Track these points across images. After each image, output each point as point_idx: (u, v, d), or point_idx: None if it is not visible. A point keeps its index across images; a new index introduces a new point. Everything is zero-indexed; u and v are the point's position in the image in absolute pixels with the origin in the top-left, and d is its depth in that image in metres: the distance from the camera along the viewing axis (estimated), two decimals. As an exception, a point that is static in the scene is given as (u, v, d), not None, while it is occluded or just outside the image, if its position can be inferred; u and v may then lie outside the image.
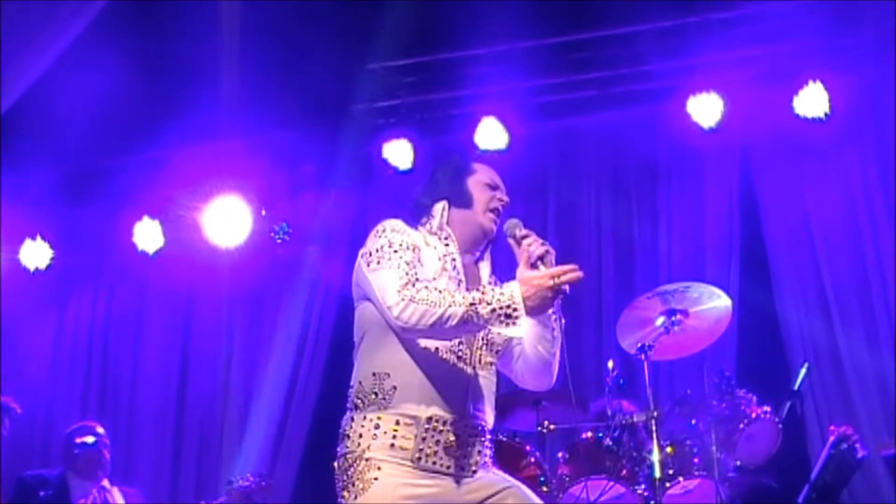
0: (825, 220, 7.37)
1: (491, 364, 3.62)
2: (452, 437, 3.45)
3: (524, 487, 3.61)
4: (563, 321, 3.69)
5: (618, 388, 6.03)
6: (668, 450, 5.77)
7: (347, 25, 7.02)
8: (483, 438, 3.54)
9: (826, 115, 7.05)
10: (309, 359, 8.27)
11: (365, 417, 3.46)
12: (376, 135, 7.90)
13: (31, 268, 8.38)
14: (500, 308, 3.32)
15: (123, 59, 6.75)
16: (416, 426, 3.42)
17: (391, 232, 3.56)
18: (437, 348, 3.48)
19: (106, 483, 6.84)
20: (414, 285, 3.40)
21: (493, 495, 3.51)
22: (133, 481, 7.54)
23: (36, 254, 8.36)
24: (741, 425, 5.85)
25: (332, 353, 8.25)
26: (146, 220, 8.25)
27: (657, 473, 5.46)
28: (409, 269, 3.45)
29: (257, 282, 8.46)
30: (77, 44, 6.42)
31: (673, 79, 7.33)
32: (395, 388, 3.45)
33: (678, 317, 5.84)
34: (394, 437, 3.42)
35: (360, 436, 3.44)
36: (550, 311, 3.53)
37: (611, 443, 5.86)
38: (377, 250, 3.50)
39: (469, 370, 3.53)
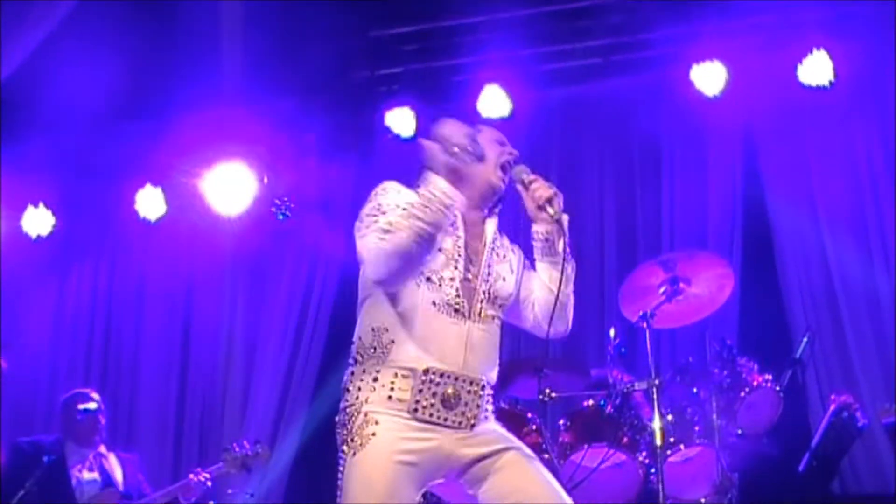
0: (829, 189, 7.35)
1: (493, 318, 3.62)
2: (450, 390, 3.47)
3: (525, 449, 3.62)
4: (574, 263, 3.75)
5: (619, 356, 6.03)
6: (669, 418, 5.78)
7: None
8: (482, 392, 3.54)
9: (830, 83, 7.01)
10: (311, 326, 8.29)
11: (364, 371, 3.50)
12: (378, 102, 7.87)
13: (34, 235, 8.37)
14: (422, 203, 3.43)
15: (125, 27, 6.72)
16: (413, 378, 3.45)
17: (382, 193, 3.61)
18: (434, 301, 3.50)
19: (102, 449, 6.86)
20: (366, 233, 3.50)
21: (491, 454, 3.52)
22: (135, 449, 7.57)
23: (38, 221, 8.35)
24: (742, 393, 5.87)
25: (333, 320, 8.26)
26: (148, 187, 8.24)
27: (658, 441, 5.47)
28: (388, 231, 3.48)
29: (259, 249, 8.45)
30: (78, 13, 6.39)
31: (676, 47, 7.28)
32: (392, 341, 3.48)
33: (681, 285, 5.85)
34: (391, 389, 3.45)
35: (359, 389, 3.48)
36: (560, 248, 3.63)
37: (612, 411, 5.88)
38: (367, 215, 3.55)
39: (467, 323, 3.54)
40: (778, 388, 5.97)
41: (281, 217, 8.01)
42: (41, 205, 8.35)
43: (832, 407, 6.16)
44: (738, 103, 7.46)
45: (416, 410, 3.44)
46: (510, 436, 3.65)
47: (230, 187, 7.98)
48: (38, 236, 8.40)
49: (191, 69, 7.34)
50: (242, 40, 7.13)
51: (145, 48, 6.96)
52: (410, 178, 8.07)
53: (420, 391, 3.44)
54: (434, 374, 3.46)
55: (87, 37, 6.75)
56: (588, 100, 7.92)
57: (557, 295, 3.66)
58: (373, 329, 3.52)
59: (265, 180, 8.04)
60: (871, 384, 6.93)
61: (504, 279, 3.67)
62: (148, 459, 7.55)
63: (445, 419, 3.47)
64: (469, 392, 3.51)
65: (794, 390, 6.30)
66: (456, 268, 3.56)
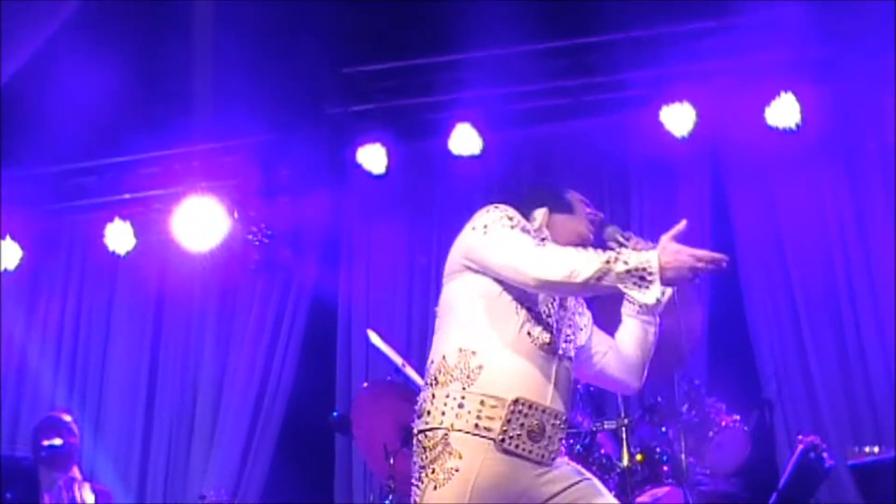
0: (796, 231, 7.42)
1: (571, 359, 3.63)
2: (536, 422, 3.44)
3: (597, 482, 3.60)
4: (658, 320, 3.77)
5: (588, 395, 6.04)
6: (638, 457, 5.79)
7: (323, 29, 7.00)
8: (563, 427, 3.54)
9: (797, 125, 7.10)
10: (279, 362, 8.26)
11: (448, 395, 3.44)
12: (351, 139, 7.89)
13: (0, 268, 8.32)
14: (636, 269, 3.29)
15: (95, 62, 6.71)
16: (502, 408, 3.40)
17: (505, 209, 3.59)
18: (529, 333, 3.48)
19: (76, 473, 6.79)
20: (545, 244, 3.48)
21: (567, 488, 3.50)
22: (99, 482, 7.49)
23: (5, 254, 8.30)
24: (710, 433, 5.89)
25: (302, 357, 8.26)
26: (117, 221, 8.21)
27: (627, 480, 5.48)
28: (530, 236, 3.51)
29: (228, 284, 8.44)
30: (49, 47, 6.38)
31: (646, 88, 7.36)
32: (480, 367, 3.43)
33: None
34: (478, 416, 3.40)
35: (443, 413, 3.42)
36: (661, 304, 3.52)
37: (581, 450, 5.87)
38: (495, 221, 3.53)
39: (554, 360, 3.53)
40: (746, 429, 6.00)
41: (256, 242, 8.00)
42: (8, 237, 8.30)
43: (800, 448, 6.17)
44: (707, 144, 7.55)
45: (503, 440, 3.40)
46: (581, 469, 3.64)
47: (200, 222, 7.95)
48: (6, 269, 8.34)
49: (162, 103, 7.34)
50: (214, 74, 7.14)
51: (116, 82, 6.94)
52: (378, 212, 8.12)
53: (509, 421, 3.40)
54: (523, 405, 3.42)
55: (57, 72, 6.75)
56: (558, 139, 7.97)
57: (648, 356, 3.74)
58: (460, 349, 3.47)
59: (235, 215, 8.03)
60: (838, 426, 6.98)
61: (583, 328, 3.70)
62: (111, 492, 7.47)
63: (530, 451, 3.44)
64: (553, 426, 3.48)
65: (762, 431, 6.33)
66: (552, 305, 3.56)
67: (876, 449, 6.19)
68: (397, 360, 5.68)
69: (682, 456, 5.76)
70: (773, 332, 7.33)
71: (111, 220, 8.23)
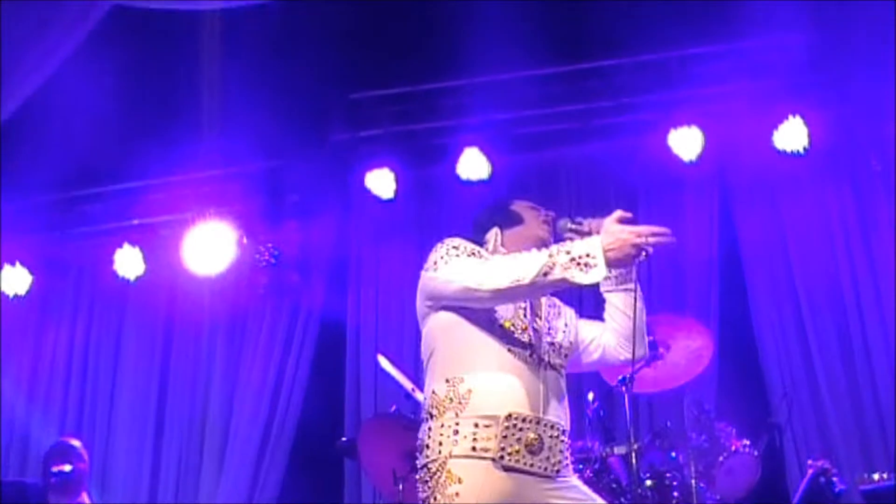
0: (804, 254, 7.42)
1: (561, 367, 3.66)
2: (533, 435, 3.47)
3: None
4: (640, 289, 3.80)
5: (598, 419, 6.03)
6: (648, 483, 5.77)
7: (330, 54, 7.03)
8: (563, 439, 3.56)
9: (805, 149, 7.11)
10: (289, 386, 8.25)
11: (443, 425, 3.48)
12: (358, 164, 7.91)
13: (11, 294, 8.33)
14: (580, 256, 3.36)
15: (104, 87, 6.74)
16: (496, 426, 3.44)
17: (450, 242, 3.65)
18: (510, 347, 3.53)
19: (85, 499, 6.78)
20: (488, 261, 3.56)
21: (580, 500, 3.52)
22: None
23: (15, 280, 8.32)
24: (720, 458, 5.87)
25: (311, 381, 8.25)
26: (126, 246, 8.23)
27: (637, 506, 5.47)
28: (478, 258, 3.58)
29: (237, 309, 8.44)
30: (57, 71, 6.41)
31: (654, 112, 7.37)
32: (470, 391, 3.48)
33: (660, 350, 5.86)
34: (474, 439, 3.43)
35: (440, 443, 3.46)
36: (634, 275, 3.67)
37: (591, 475, 5.85)
38: (441, 258, 3.60)
39: (541, 370, 3.56)
40: (756, 453, 5.97)
41: (264, 263, 8.02)
42: (17, 263, 8.32)
43: (810, 472, 6.16)
44: (715, 168, 7.56)
45: (502, 458, 3.42)
46: (594, 494, 3.64)
47: (209, 247, 7.97)
48: (15, 295, 8.36)
49: (171, 129, 7.37)
50: (222, 100, 7.17)
51: (124, 108, 6.97)
52: (387, 237, 8.12)
53: (504, 437, 3.43)
54: (516, 419, 3.45)
55: (66, 96, 6.77)
56: (566, 163, 7.98)
57: (635, 317, 3.75)
58: (447, 380, 3.52)
59: (244, 240, 8.05)
60: (848, 449, 6.95)
61: (563, 330, 3.74)
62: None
63: (531, 465, 3.46)
64: (551, 437, 3.51)
65: (771, 455, 6.30)
66: (524, 317, 3.61)
67: (885, 475, 6.16)
68: (407, 385, 5.67)
69: (693, 481, 5.75)
70: (781, 355, 7.31)
71: (120, 245, 8.25)
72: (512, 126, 7.71)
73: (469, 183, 7.58)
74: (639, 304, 3.77)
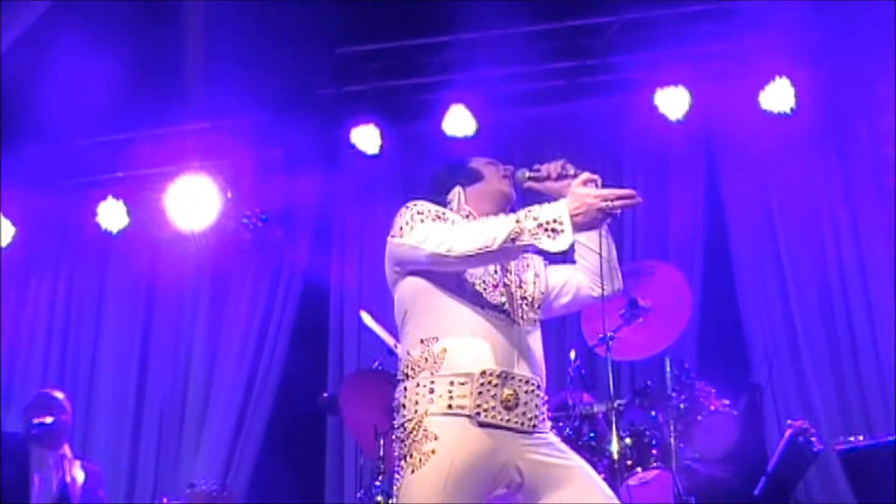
0: (788, 216, 7.43)
1: (534, 321, 3.67)
2: (509, 391, 3.47)
3: (588, 468, 3.60)
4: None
5: (579, 378, 6.05)
6: (628, 441, 5.80)
7: (316, 9, 6.98)
8: (538, 393, 3.56)
9: (792, 110, 7.09)
10: (271, 343, 8.26)
11: (418, 384, 3.49)
12: (344, 119, 7.88)
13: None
14: (547, 222, 3.36)
15: (88, 42, 6.68)
16: (471, 383, 3.45)
17: (415, 206, 3.63)
18: (482, 306, 3.54)
19: (66, 451, 6.76)
20: (454, 224, 3.56)
21: (553, 466, 3.51)
22: (90, 459, 7.48)
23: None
24: (700, 417, 5.90)
25: (294, 338, 8.26)
26: (110, 199, 8.20)
27: (616, 464, 5.49)
28: (444, 221, 3.57)
29: (221, 264, 8.42)
30: (41, 26, 6.35)
31: (641, 71, 7.36)
32: (444, 350, 3.49)
33: (640, 304, 5.88)
34: (450, 397, 3.44)
35: (416, 402, 3.47)
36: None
37: (570, 433, 5.88)
38: (406, 223, 3.58)
39: (514, 326, 3.57)
40: (735, 413, 6.00)
41: (251, 226, 7.99)
42: (0, 215, 8.28)
43: (788, 432, 6.19)
44: (701, 128, 7.55)
45: (478, 414, 3.43)
46: (571, 452, 3.64)
47: (193, 201, 7.94)
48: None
49: (155, 83, 7.32)
50: (207, 54, 7.12)
51: (109, 62, 6.91)
52: (371, 194, 8.11)
53: (480, 394, 3.44)
54: (491, 375, 3.46)
55: (48, 51, 6.72)
56: (552, 121, 7.95)
57: (601, 252, 3.73)
58: (422, 341, 3.52)
59: (229, 195, 8.02)
60: (827, 410, 7.00)
61: (534, 282, 3.73)
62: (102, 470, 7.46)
63: (507, 420, 3.47)
64: (526, 392, 3.51)
65: (751, 415, 6.34)
66: (496, 274, 3.61)
67: (861, 438, 6.21)
68: (390, 341, 5.67)
69: (672, 440, 5.77)
70: (763, 316, 7.34)
71: (104, 198, 8.21)
72: (498, 83, 7.68)
73: (455, 139, 7.56)
74: (607, 241, 3.76)
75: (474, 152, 4.08)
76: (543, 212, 3.39)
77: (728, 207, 7.57)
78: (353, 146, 7.80)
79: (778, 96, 7.08)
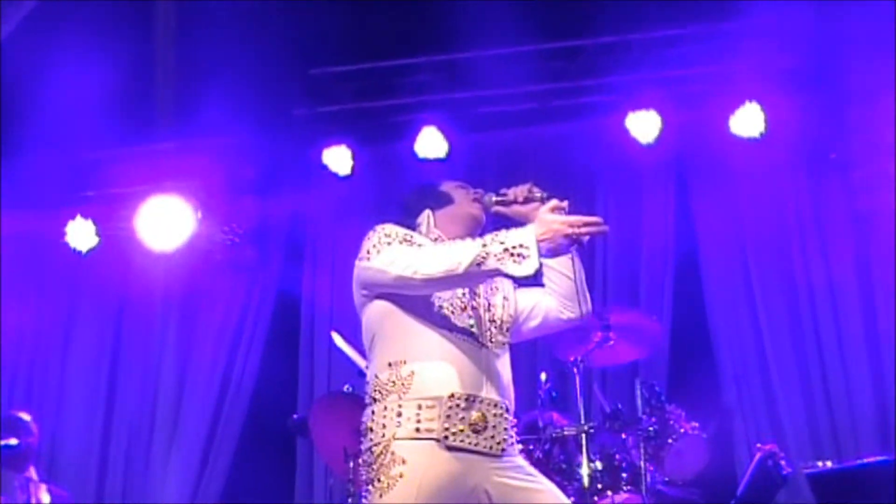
0: (758, 238, 7.48)
1: (503, 344, 3.67)
2: (477, 414, 3.47)
3: (557, 492, 3.61)
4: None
5: (550, 400, 6.06)
6: (598, 464, 5.80)
7: (290, 30, 6.98)
8: (507, 417, 3.56)
9: (761, 134, 7.14)
10: (242, 362, 8.22)
11: (386, 408, 3.47)
12: (317, 140, 7.87)
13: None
14: (513, 247, 3.36)
15: (57, 58, 6.66)
16: (439, 406, 3.44)
17: (382, 230, 3.63)
18: (450, 328, 3.53)
19: (32, 473, 6.71)
20: (421, 247, 3.55)
21: (521, 490, 3.51)
22: (58, 483, 7.41)
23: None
24: (670, 441, 5.92)
25: (265, 357, 8.22)
26: (79, 218, 8.14)
27: (586, 488, 5.49)
28: (411, 244, 3.57)
29: (191, 284, 8.37)
30: (8, 43, 6.32)
31: (612, 94, 7.39)
32: (412, 373, 3.48)
33: (612, 334, 5.91)
34: (418, 420, 3.44)
35: (384, 426, 3.46)
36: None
37: (541, 455, 5.87)
38: (374, 246, 3.58)
39: (482, 350, 3.57)
40: (705, 436, 6.02)
41: (223, 247, 7.96)
42: (-30, 232, 8.21)
43: (758, 455, 6.22)
44: (672, 151, 7.58)
45: (446, 437, 3.42)
46: (540, 475, 3.64)
47: (164, 221, 7.89)
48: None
49: (127, 101, 7.29)
50: (180, 72, 7.10)
51: (80, 79, 6.88)
52: (343, 215, 8.09)
53: (448, 417, 3.44)
54: (458, 398, 3.45)
55: (18, 67, 6.68)
56: (524, 143, 7.97)
57: (574, 276, 3.74)
58: (389, 364, 3.51)
59: (199, 215, 7.98)
60: (797, 434, 7.04)
61: (503, 305, 3.73)
62: (69, 493, 7.39)
63: (476, 444, 3.46)
64: (494, 415, 3.51)
65: (721, 439, 6.36)
66: (464, 297, 3.61)
67: (829, 463, 6.24)
68: (361, 362, 5.65)
69: (642, 463, 5.79)
70: (733, 339, 7.37)
71: (73, 217, 8.15)
72: (471, 105, 7.70)
73: (427, 161, 7.57)
74: (576, 265, 3.76)
75: (446, 174, 4.09)
76: (510, 237, 3.40)
77: (699, 230, 7.62)
78: (325, 167, 7.79)
79: (748, 121, 7.14)
